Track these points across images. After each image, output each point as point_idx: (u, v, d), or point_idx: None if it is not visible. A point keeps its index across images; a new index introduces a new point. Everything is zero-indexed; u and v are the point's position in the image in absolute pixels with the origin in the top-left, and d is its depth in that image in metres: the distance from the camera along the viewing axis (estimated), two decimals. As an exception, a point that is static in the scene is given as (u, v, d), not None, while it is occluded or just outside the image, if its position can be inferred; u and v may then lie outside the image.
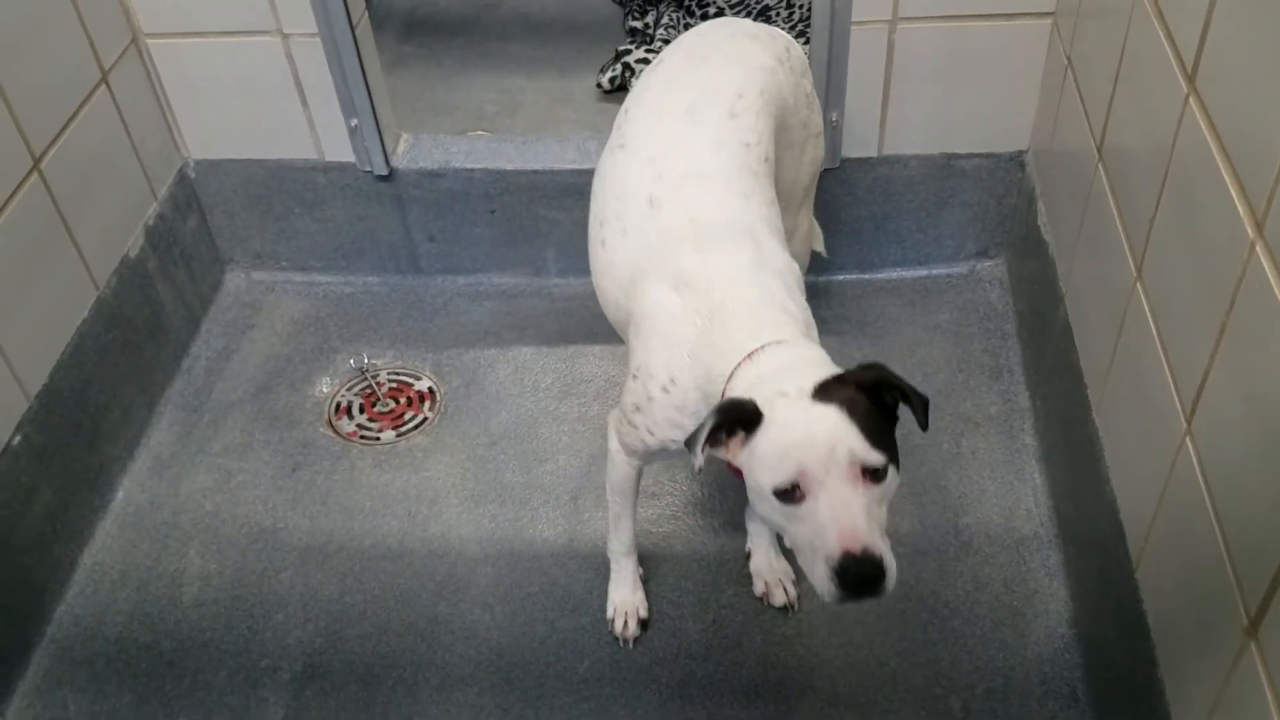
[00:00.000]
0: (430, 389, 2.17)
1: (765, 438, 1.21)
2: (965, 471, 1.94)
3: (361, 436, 2.09)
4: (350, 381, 2.19)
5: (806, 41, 2.03)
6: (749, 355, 1.30)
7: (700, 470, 1.27)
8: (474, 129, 2.36)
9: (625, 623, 1.74)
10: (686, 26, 2.67)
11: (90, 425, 1.93)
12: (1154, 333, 1.40)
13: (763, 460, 1.20)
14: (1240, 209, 1.14)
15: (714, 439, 1.24)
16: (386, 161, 2.21)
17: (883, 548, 1.16)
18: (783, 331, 1.33)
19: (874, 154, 2.15)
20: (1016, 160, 2.15)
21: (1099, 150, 1.65)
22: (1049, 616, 1.73)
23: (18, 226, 1.75)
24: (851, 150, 2.14)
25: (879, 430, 1.20)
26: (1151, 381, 1.39)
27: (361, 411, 2.13)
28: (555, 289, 2.34)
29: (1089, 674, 1.64)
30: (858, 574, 1.14)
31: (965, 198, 2.21)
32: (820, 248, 2.04)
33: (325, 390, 2.18)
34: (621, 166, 1.55)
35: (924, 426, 1.25)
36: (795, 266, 1.48)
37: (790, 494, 1.18)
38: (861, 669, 1.69)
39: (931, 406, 1.26)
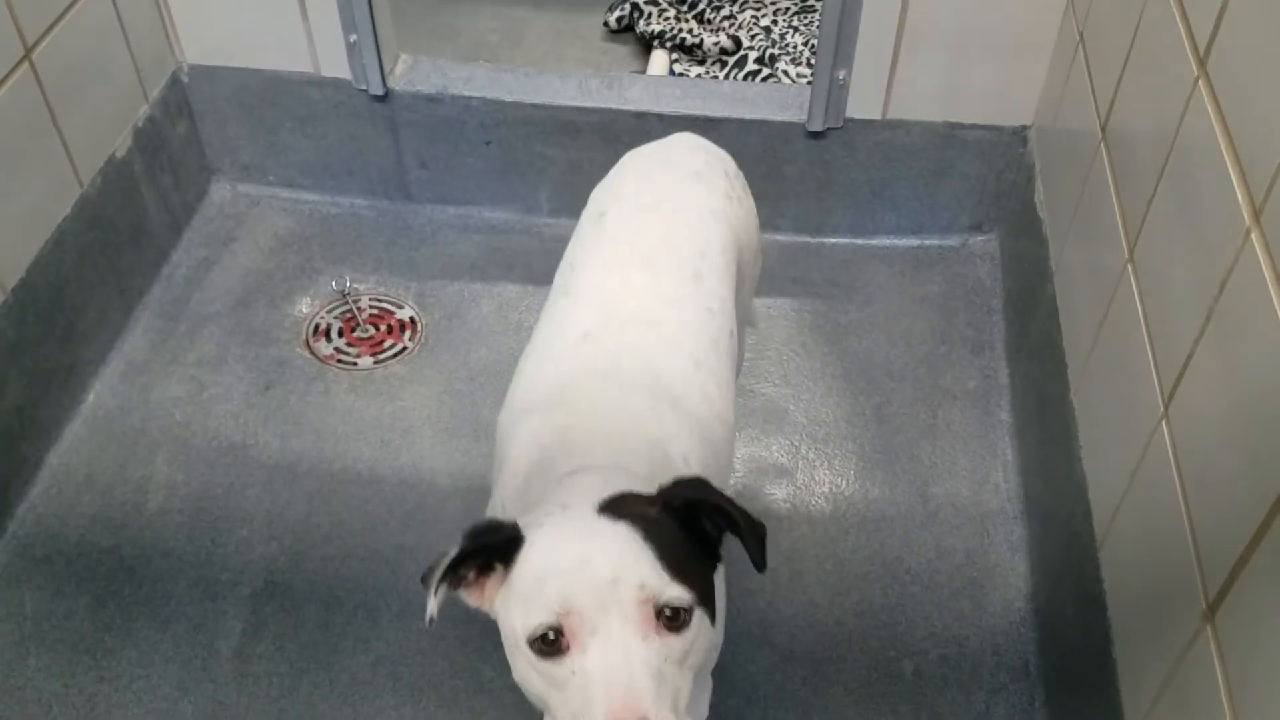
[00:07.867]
0: (412, 318, 2.15)
1: (524, 564, 0.90)
2: (938, 443, 1.94)
3: (339, 360, 2.07)
4: (331, 304, 2.17)
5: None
6: (561, 479, 1.03)
7: (432, 621, 0.92)
8: (474, 59, 2.33)
9: None
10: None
11: (65, 325, 1.91)
12: (1140, 316, 1.40)
13: (518, 594, 0.89)
14: (1239, 196, 1.13)
15: (458, 575, 0.93)
16: (383, 81, 2.17)
17: None
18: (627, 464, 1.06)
19: (878, 116, 2.13)
20: (1019, 135, 2.13)
21: (1103, 130, 1.64)
22: (1008, 590, 1.75)
23: (4, 117, 1.71)
24: (856, 111, 2.12)
25: (685, 561, 0.89)
26: (1133, 365, 1.39)
27: (340, 335, 2.11)
28: (546, 228, 2.31)
29: (1042, 648, 1.66)
30: None
31: (964, 169, 2.20)
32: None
33: (305, 310, 2.16)
34: (564, 313, 1.30)
35: (759, 566, 0.95)
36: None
37: (552, 644, 0.85)
38: (819, 627, 1.70)
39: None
